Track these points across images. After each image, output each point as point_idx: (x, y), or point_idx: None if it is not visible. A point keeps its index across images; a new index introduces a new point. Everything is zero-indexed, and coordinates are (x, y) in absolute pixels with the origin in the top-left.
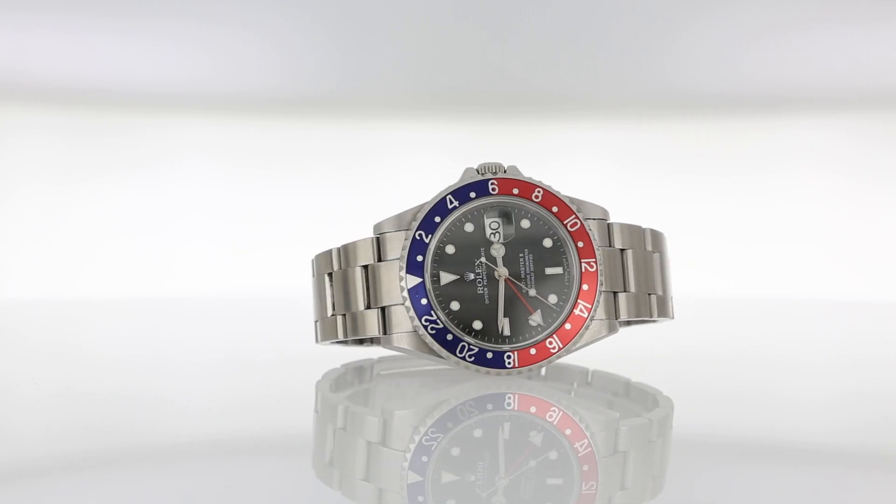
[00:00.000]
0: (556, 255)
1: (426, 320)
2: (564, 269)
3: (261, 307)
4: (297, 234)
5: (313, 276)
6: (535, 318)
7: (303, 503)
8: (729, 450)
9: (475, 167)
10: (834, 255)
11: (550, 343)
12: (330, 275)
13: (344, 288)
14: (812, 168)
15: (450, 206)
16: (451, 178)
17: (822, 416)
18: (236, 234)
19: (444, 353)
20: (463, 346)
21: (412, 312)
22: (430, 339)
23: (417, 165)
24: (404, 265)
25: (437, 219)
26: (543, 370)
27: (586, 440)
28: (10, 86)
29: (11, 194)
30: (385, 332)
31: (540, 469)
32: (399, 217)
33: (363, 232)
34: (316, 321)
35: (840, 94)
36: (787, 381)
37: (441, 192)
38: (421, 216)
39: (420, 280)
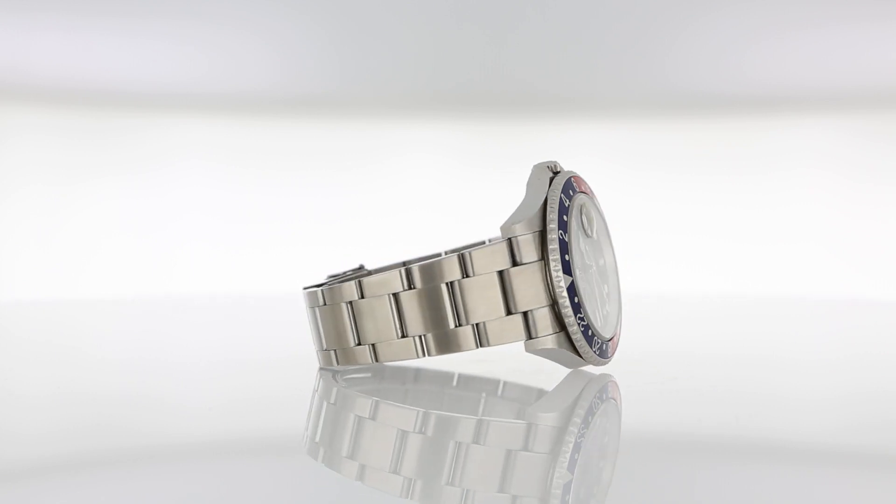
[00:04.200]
0: (599, 248)
1: (578, 317)
2: (605, 261)
3: (261, 306)
4: (297, 235)
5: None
6: (607, 308)
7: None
8: (727, 449)
9: (545, 164)
10: (834, 255)
11: (619, 329)
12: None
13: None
14: (812, 168)
15: (566, 205)
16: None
17: (820, 415)
18: (236, 234)
19: (585, 348)
20: (596, 341)
21: (568, 311)
22: (578, 336)
23: (417, 165)
24: (560, 266)
25: (565, 217)
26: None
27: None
28: (10, 86)
29: (12, 195)
30: (532, 336)
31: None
32: (505, 228)
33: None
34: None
35: (840, 94)
36: (787, 380)
37: (549, 192)
38: (553, 216)
39: (571, 279)
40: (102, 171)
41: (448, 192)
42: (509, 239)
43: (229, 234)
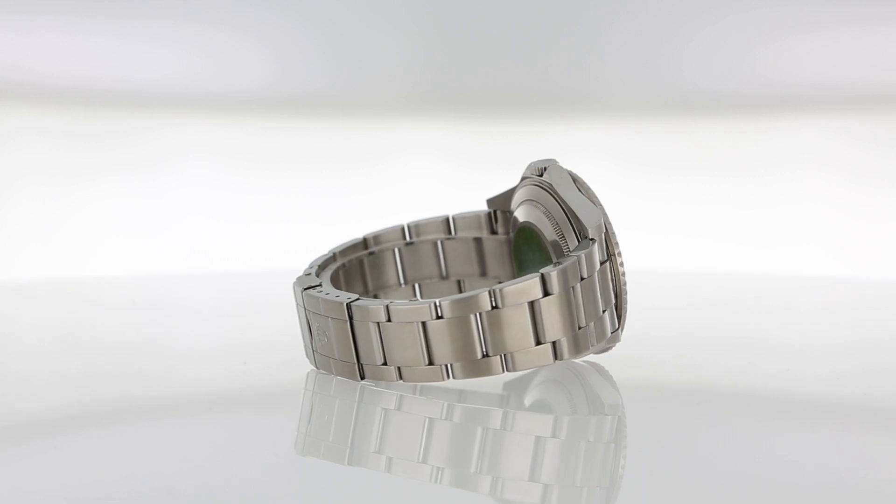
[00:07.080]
0: None
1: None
2: None
3: (261, 306)
4: (297, 235)
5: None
6: None
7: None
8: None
9: (555, 163)
10: (833, 255)
11: None
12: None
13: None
14: (813, 169)
15: None
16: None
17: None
18: (236, 234)
19: (620, 336)
20: None
21: (627, 305)
22: (624, 326)
23: (417, 166)
24: (623, 261)
25: None
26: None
27: None
28: (10, 86)
29: (12, 195)
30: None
31: None
32: (592, 229)
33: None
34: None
35: (841, 95)
36: (786, 382)
37: (586, 192)
38: (606, 214)
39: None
40: (102, 171)
41: (448, 192)
42: (592, 239)
43: (229, 235)
